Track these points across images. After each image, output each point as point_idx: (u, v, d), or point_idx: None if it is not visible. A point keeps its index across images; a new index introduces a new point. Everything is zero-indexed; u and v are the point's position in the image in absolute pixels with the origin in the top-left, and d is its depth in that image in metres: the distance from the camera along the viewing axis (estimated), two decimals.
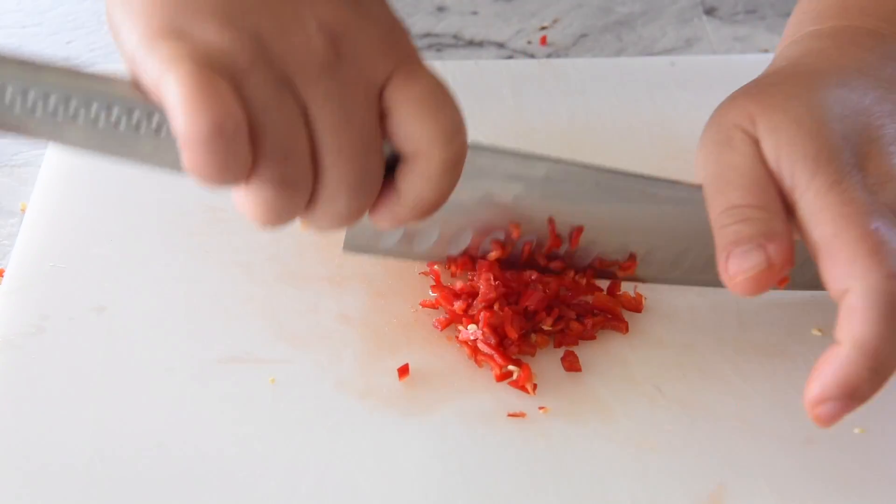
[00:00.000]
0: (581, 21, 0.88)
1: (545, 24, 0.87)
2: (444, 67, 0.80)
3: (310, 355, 0.61)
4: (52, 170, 0.72)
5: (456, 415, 0.59)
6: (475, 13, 0.89)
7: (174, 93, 0.45)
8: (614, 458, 0.57)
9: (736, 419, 0.59)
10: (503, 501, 0.55)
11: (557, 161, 0.61)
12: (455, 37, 0.87)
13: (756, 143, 0.53)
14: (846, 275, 0.50)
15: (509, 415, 0.59)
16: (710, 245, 0.59)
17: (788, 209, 0.53)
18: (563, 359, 0.61)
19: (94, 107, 0.47)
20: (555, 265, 0.64)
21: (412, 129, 0.49)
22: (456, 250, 0.64)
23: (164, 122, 0.48)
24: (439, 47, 0.86)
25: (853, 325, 0.50)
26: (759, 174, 0.53)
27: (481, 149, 0.60)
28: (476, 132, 0.73)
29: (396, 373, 0.60)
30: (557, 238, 0.63)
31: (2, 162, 0.76)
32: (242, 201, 0.49)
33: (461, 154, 0.50)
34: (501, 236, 0.63)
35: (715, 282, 0.62)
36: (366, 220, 0.52)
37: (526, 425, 0.58)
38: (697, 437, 0.58)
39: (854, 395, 0.50)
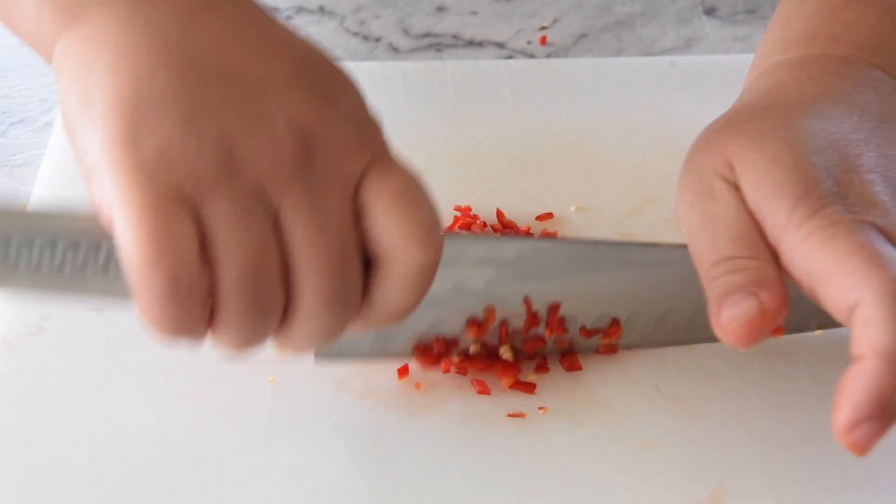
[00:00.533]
0: (581, 21, 0.88)
1: (545, 24, 0.87)
2: (444, 67, 0.80)
3: (310, 355, 0.61)
4: (52, 169, 0.72)
5: (456, 415, 0.59)
6: (475, 13, 0.88)
7: (127, 234, 0.42)
8: (614, 458, 0.57)
9: (736, 419, 0.59)
10: (503, 502, 0.55)
11: (526, 240, 0.61)
12: (455, 37, 0.87)
13: (737, 189, 0.53)
14: (850, 289, 0.48)
15: (509, 415, 0.59)
16: (693, 302, 0.59)
17: (774, 253, 0.52)
18: (562, 359, 0.61)
19: (37, 248, 0.45)
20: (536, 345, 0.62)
21: (388, 230, 0.46)
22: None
23: (111, 258, 0.45)
24: (439, 47, 0.86)
25: (872, 335, 0.47)
26: (744, 223, 0.52)
27: (449, 237, 0.55)
28: (476, 132, 0.74)
29: (396, 373, 0.60)
30: (535, 316, 0.61)
31: (1, 162, 0.76)
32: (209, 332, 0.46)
33: (439, 254, 0.47)
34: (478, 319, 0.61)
35: (699, 338, 0.61)
36: None
37: (526, 425, 0.58)
38: (697, 437, 0.58)
39: (890, 409, 0.47)
